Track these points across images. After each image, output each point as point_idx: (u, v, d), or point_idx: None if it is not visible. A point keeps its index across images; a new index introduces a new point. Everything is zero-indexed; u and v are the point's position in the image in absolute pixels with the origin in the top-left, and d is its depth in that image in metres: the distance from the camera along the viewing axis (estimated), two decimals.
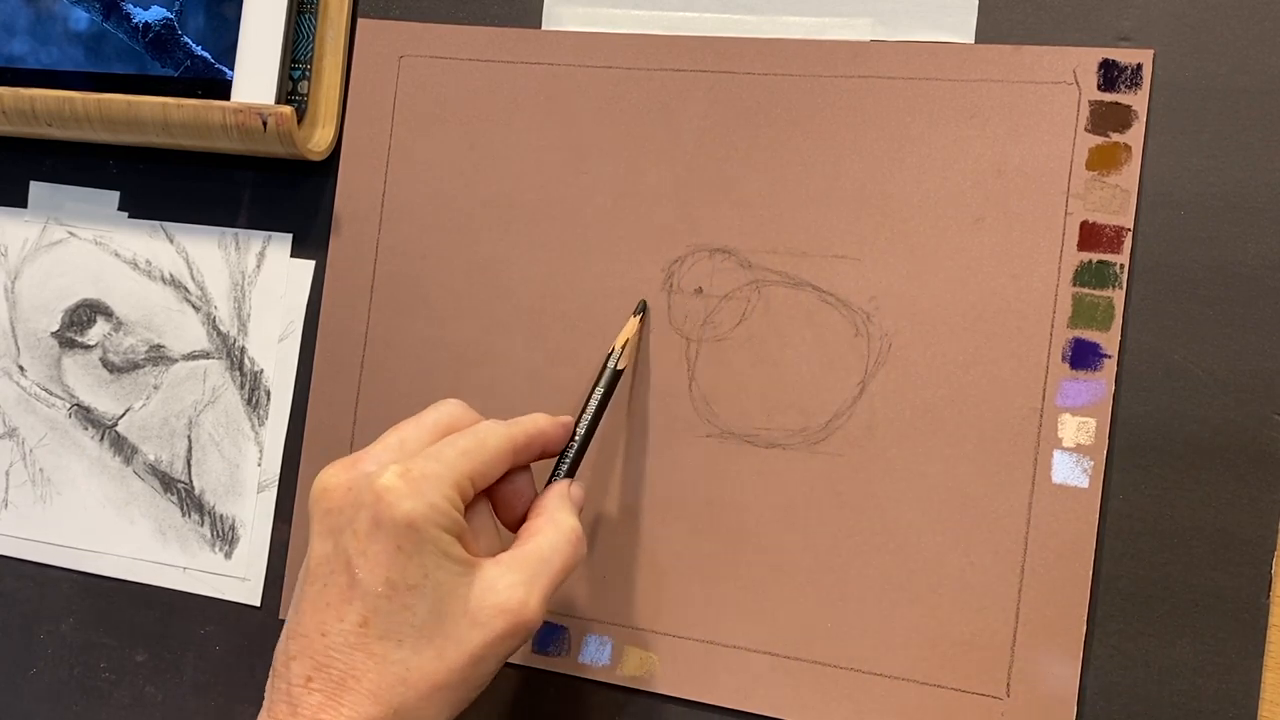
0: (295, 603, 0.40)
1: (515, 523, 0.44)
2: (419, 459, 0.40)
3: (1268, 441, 0.43)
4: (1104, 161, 0.45)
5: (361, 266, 0.54)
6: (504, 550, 0.42)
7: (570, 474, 0.45)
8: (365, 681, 0.38)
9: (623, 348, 0.47)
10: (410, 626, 0.38)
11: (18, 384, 0.59)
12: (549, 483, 0.45)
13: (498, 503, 0.43)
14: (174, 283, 0.57)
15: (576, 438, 0.45)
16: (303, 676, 0.38)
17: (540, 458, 0.44)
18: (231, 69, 0.54)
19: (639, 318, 0.49)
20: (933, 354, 0.46)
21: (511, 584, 0.40)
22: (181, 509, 0.56)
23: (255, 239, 0.56)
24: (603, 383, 0.46)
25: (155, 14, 0.56)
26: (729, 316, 0.48)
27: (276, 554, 0.54)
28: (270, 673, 0.40)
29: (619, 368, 0.47)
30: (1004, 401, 0.45)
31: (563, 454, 0.45)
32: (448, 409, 0.44)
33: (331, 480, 0.41)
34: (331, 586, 0.39)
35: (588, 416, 0.46)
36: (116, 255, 0.58)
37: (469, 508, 0.41)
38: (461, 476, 0.40)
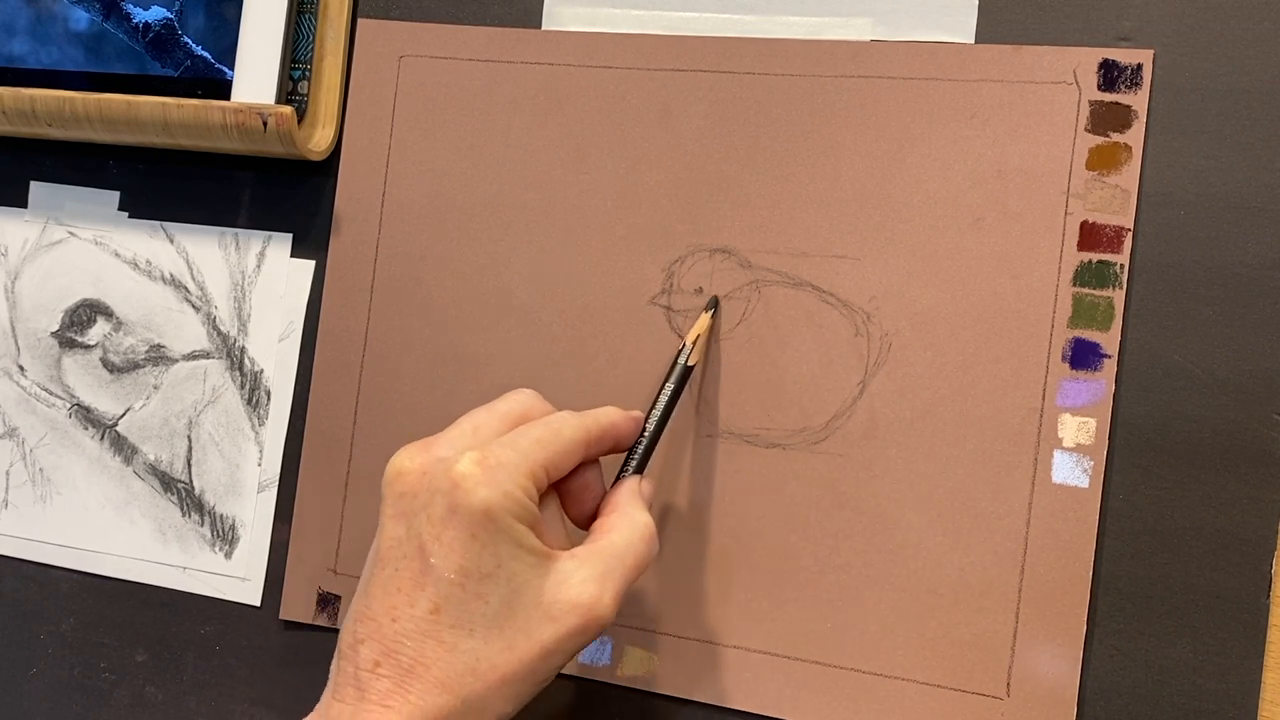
0: (364, 585, 0.40)
1: (583, 518, 0.43)
2: (495, 446, 0.40)
3: (1268, 441, 0.43)
4: (1104, 161, 0.45)
5: (361, 266, 0.54)
6: (571, 544, 0.41)
7: (639, 470, 0.44)
8: (434, 670, 0.37)
9: (693, 343, 0.47)
10: (482, 616, 0.38)
11: (18, 384, 0.59)
12: (619, 478, 0.44)
13: (566, 496, 0.43)
14: (174, 283, 0.57)
15: (646, 433, 0.45)
16: (371, 661, 0.38)
17: (611, 452, 0.44)
18: (231, 69, 0.54)
19: (710, 313, 0.48)
20: (933, 354, 0.46)
21: (585, 579, 0.39)
22: (181, 509, 0.56)
23: (255, 239, 0.56)
24: (673, 378, 0.46)
25: (155, 14, 0.56)
26: (729, 316, 0.48)
27: (276, 554, 0.54)
28: (335, 653, 0.40)
29: (690, 363, 0.46)
30: (1004, 401, 0.45)
31: (632, 449, 0.44)
32: (522, 398, 0.43)
33: (406, 463, 0.40)
34: (404, 571, 0.39)
35: (658, 412, 0.45)
36: (116, 255, 0.58)
37: (541, 499, 0.40)
38: (536, 466, 0.40)
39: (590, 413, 0.43)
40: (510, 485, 0.39)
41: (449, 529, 0.38)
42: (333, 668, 0.40)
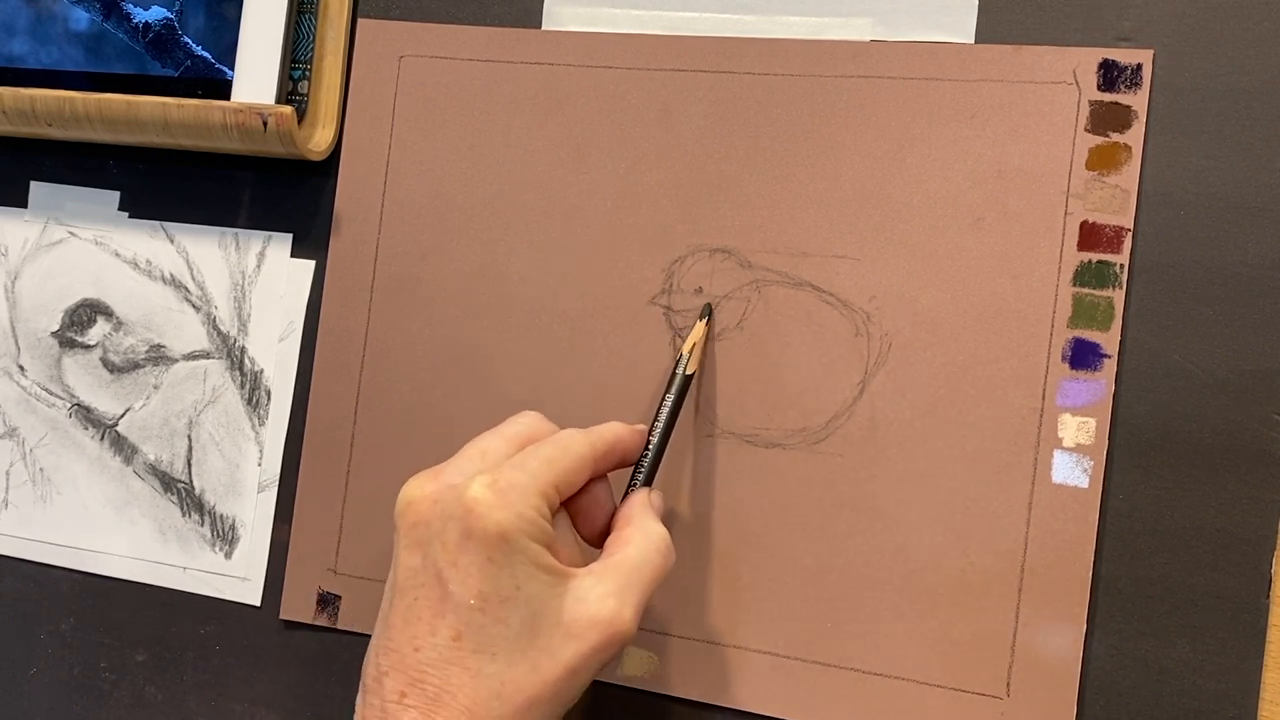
0: (383, 617, 0.40)
1: (595, 534, 0.43)
2: (505, 469, 0.40)
3: (1268, 441, 0.43)
4: (1104, 161, 0.45)
5: (361, 266, 0.54)
6: (585, 561, 0.41)
7: (648, 482, 0.44)
8: (461, 696, 0.37)
9: (690, 352, 0.47)
10: (504, 639, 0.38)
11: (18, 384, 0.59)
12: (628, 492, 0.44)
13: (576, 514, 0.43)
14: (174, 283, 0.57)
15: (651, 445, 0.45)
16: (396, 692, 0.38)
17: (618, 466, 0.44)
18: (231, 69, 0.54)
19: (705, 322, 0.48)
20: (933, 354, 0.46)
21: (603, 594, 0.39)
22: (181, 509, 0.56)
23: (255, 239, 0.56)
24: (673, 389, 0.46)
25: (155, 14, 0.56)
26: (729, 316, 0.48)
27: (277, 554, 0.54)
28: (360, 689, 0.40)
29: (688, 373, 0.46)
30: (1004, 401, 0.45)
31: (638, 463, 0.44)
32: (527, 420, 0.43)
33: (416, 492, 0.40)
34: (423, 600, 0.38)
35: (661, 423, 0.45)
36: (117, 255, 0.58)
37: (552, 518, 0.40)
38: (547, 485, 0.40)
39: (595, 429, 0.43)
40: (523, 506, 0.38)
41: (465, 554, 0.38)
42: (358, 703, 0.40)
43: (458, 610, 0.38)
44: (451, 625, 0.38)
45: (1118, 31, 0.45)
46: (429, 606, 0.38)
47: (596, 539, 0.43)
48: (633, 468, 0.44)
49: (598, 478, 0.43)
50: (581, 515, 0.43)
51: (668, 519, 0.48)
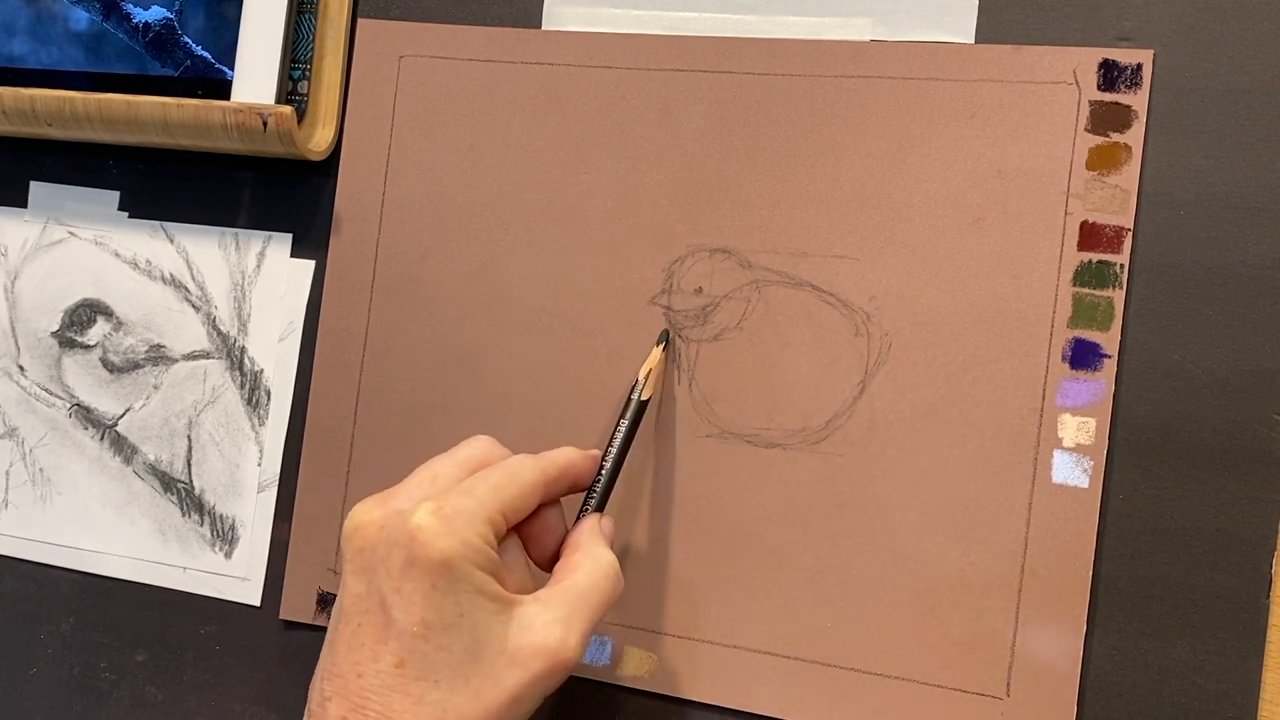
0: (329, 641, 0.40)
1: (546, 559, 0.43)
2: (451, 495, 0.39)
3: (1268, 441, 0.43)
4: (1104, 161, 0.45)
5: (361, 266, 0.54)
6: (536, 587, 0.41)
7: (599, 508, 0.44)
8: None
9: (646, 377, 0.47)
10: (447, 667, 0.38)
11: (18, 384, 0.59)
12: (579, 517, 0.44)
13: (528, 539, 0.42)
14: (174, 283, 0.57)
15: (604, 470, 0.45)
16: (339, 717, 0.38)
17: (570, 492, 0.44)
18: (231, 69, 0.54)
19: (662, 347, 0.48)
20: (933, 354, 0.46)
21: (549, 622, 0.39)
22: (181, 509, 0.56)
23: (255, 239, 0.56)
24: (628, 415, 0.46)
25: (155, 14, 0.56)
26: (729, 316, 0.48)
27: (276, 554, 0.54)
28: (305, 713, 0.40)
29: (644, 398, 0.46)
30: (1004, 401, 0.45)
31: (591, 488, 0.44)
32: (478, 444, 0.43)
33: (364, 518, 0.40)
34: (366, 626, 0.38)
35: (614, 449, 0.45)
36: (116, 255, 0.58)
37: (500, 544, 0.40)
38: (494, 512, 0.40)
39: (547, 454, 0.43)
40: (468, 533, 0.38)
41: (409, 581, 0.38)
42: None
43: (401, 637, 0.38)
44: (394, 652, 0.38)
45: (1118, 31, 0.45)
46: (372, 633, 0.38)
47: (547, 563, 0.43)
48: (585, 493, 0.44)
49: (550, 503, 0.43)
50: (532, 540, 0.43)
51: (668, 518, 0.48)
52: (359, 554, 0.40)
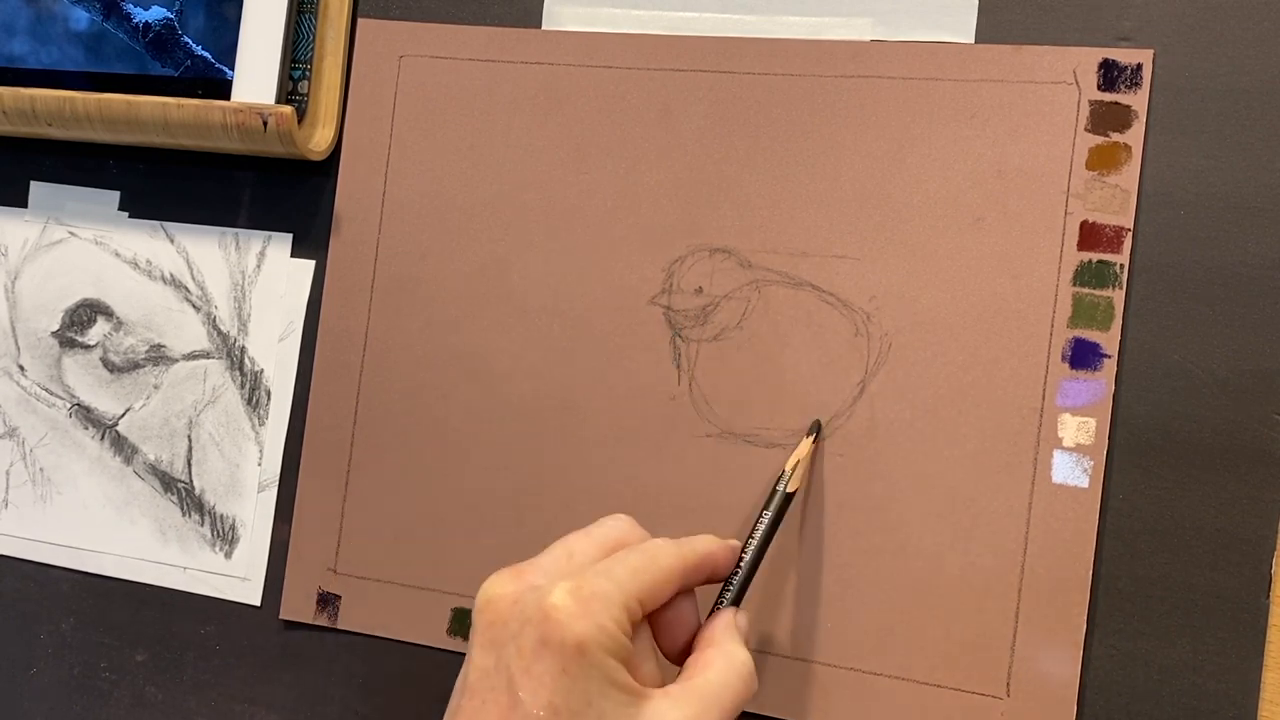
0: (450, 714, 0.38)
1: (676, 650, 0.41)
2: (589, 576, 0.38)
3: (1268, 441, 0.43)
4: (1104, 161, 0.45)
5: (361, 266, 0.54)
6: (663, 679, 0.39)
7: (736, 601, 0.43)
8: None
9: (792, 469, 0.45)
10: None
11: (18, 384, 0.59)
12: (714, 610, 0.42)
13: (659, 628, 0.41)
14: (174, 283, 0.57)
15: (743, 563, 0.43)
16: None
17: (706, 582, 0.42)
18: (231, 69, 0.54)
19: (812, 439, 0.46)
20: (933, 354, 0.46)
21: None
22: (182, 509, 0.56)
23: (255, 239, 0.56)
24: (772, 507, 0.44)
25: (155, 14, 0.56)
26: (729, 316, 0.48)
27: (277, 554, 0.54)
28: None
29: (789, 491, 0.45)
30: (1004, 401, 0.45)
31: (728, 580, 0.42)
32: (617, 524, 0.42)
33: (497, 590, 0.39)
34: (490, 704, 0.37)
35: (755, 542, 0.43)
36: (117, 255, 0.58)
37: (633, 631, 0.39)
38: (631, 598, 0.38)
39: (687, 541, 0.41)
40: (605, 618, 0.37)
41: (539, 662, 0.36)
42: None
43: (526, 719, 0.36)
44: None
45: (1118, 31, 0.45)
46: (498, 712, 0.37)
47: (677, 655, 0.41)
48: (722, 584, 0.43)
49: (684, 592, 0.41)
50: (664, 629, 0.41)
51: (667, 518, 0.48)
52: (490, 628, 0.38)
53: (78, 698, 0.57)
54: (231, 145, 0.53)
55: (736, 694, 0.39)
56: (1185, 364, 0.44)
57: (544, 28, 0.52)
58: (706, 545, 0.42)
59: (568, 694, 0.36)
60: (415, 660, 0.52)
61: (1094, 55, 0.45)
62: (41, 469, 0.58)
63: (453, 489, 0.51)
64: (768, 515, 0.44)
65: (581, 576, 0.38)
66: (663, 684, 0.39)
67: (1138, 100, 0.44)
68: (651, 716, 0.37)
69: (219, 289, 0.56)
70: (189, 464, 0.56)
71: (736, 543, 0.43)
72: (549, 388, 0.50)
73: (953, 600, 0.45)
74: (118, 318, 0.58)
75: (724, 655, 0.40)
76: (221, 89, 0.54)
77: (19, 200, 0.60)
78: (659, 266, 0.49)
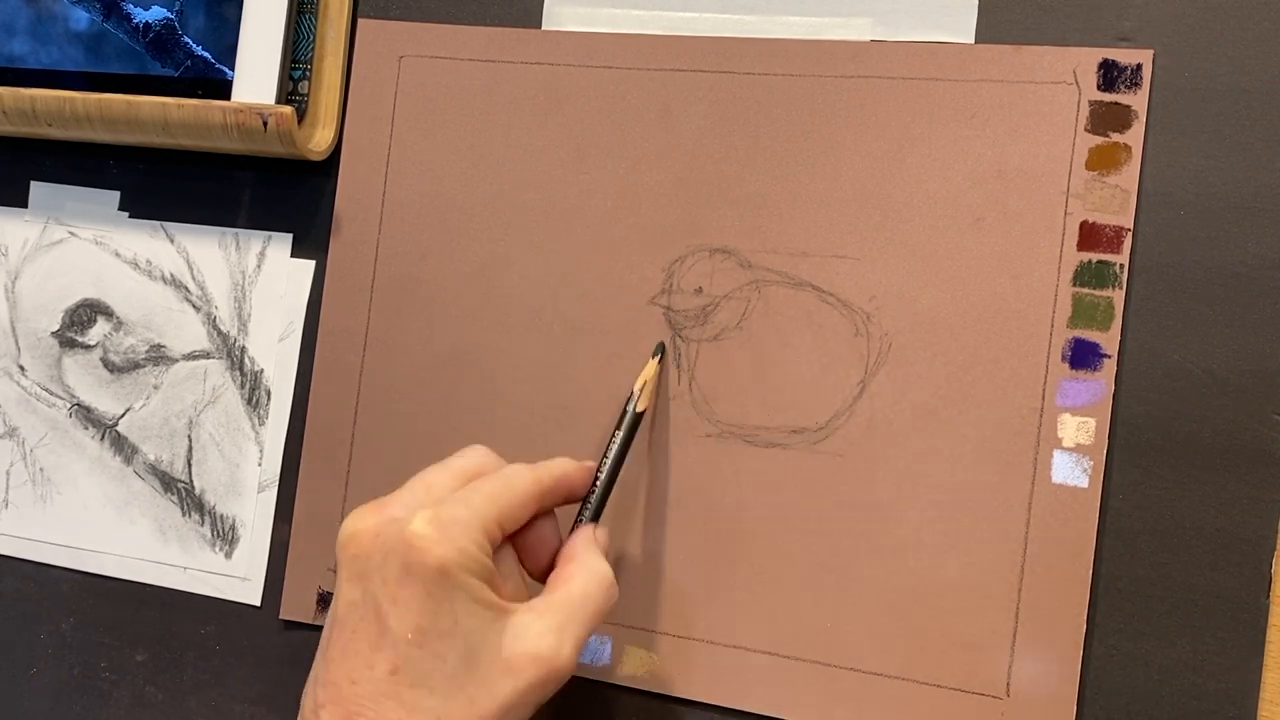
0: (323, 649, 0.40)
1: (540, 569, 0.43)
2: (447, 504, 0.40)
3: (1268, 441, 0.43)
4: (1104, 161, 0.45)
5: (361, 266, 0.54)
6: (530, 597, 0.41)
7: (594, 518, 0.44)
8: None
9: (641, 389, 0.47)
10: (441, 674, 0.38)
11: (18, 384, 0.59)
12: (574, 528, 0.44)
13: (522, 549, 0.43)
14: (174, 283, 0.57)
15: (599, 482, 0.45)
16: None
17: (564, 502, 0.44)
18: (232, 69, 0.54)
19: (657, 359, 0.48)
20: (933, 354, 0.46)
21: (543, 631, 0.39)
22: (182, 509, 0.56)
23: (255, 239, 0.56)
24: (624, 426, 0.46)
25: (155, 14, 0.56)
26: (729, 316, 0.48)
27: (277, 554, 0.54)
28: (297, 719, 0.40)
29: (639, 410, 0.47)
30: (1004, 401, 0.45)
31: (586, 499, 0.45)
32: (474, 454, 0.43)
33: (359, 525, 0.40)
34: (360, 634, 0.38)
35: (610, 460, 0.45)
36: (117, 255, 0.58)
37: (495, 553, 0.40)
38: (489, 521, 0.40)
39: (543, 464, 0.43)
40: (464, 541, 0.38)
41: (404, 589, 0.38)
42: None
43: (395, 644, 0.38)
44: (389, 659, 0.38)
45: (1118, 31, 0.45)
46: (367, 640, 0.38)
47: (541, 574, 0.43)
48: (580, 503, 0.45)
49: (544, 513, 0.43)
50: (527, 550, 0.43)
51: (668, 518, 0.48)
52: (354, 561, 0.40)
53: (78, 698, 0.57)
54: (231, 145, 0.53)
55: (597, 604, 0.41)
56: (1185, 364, 0.44)
57: (544, 28, 0.52)
58: (562, 467, 0.44)
59: (434, 615, 0.38)
60: None
61: (1094, 55, 0.45)
62: (41, 469, 0.58)
63: None
64: (620, 435, 0.46)
65: (440, 505, 0.39)
66: (528, 601, 0.41)
67: (1138, 100, 0.44)
68: (516, 629, 0.39)
69: (219, 289, 0.56)
70: (189, 464, 0.56)
71: (591, 463, 0.45)
72: (549, 388, 0.50)
73: (953, 600, 0.45)
74: (118, 318, 0.58)
75: (585, 568, 0.42)
76: (221, 89, 0.54)
77: (19, 200, 0.60)
78: (659, 266, 0.49)
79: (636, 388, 0.47)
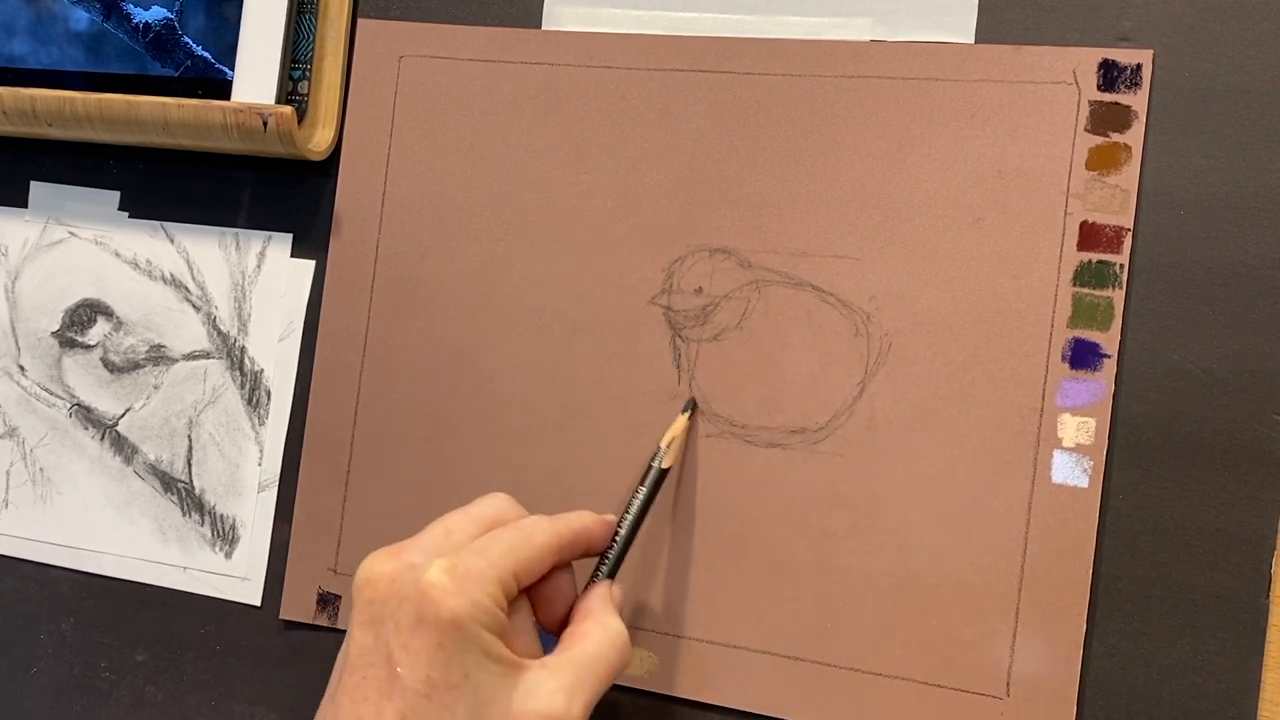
0: (331, 693, 0.39)
1: (554, 623, 0.43)
2: (465, 553, 0.39)
3: (1268, 441, 0.43)
4: (1104, 161, 0.45)
5: (361, 266, 0.54)
6: (543, 651, 0.41)
7: (611, 575, 0.44)
8: None
9: (667, 445, 0.46)
10: None
11: (18, 384, 0.59)
12: (590, 583, 0.43)
13: (538, 602, 0.42)
14: (174, 283, 0.57)
15: (619, 537, 0.44)
16: None
17: (582, 556, 0.43)
18: (231, 69, 0.54)
19: (688, 415, 0.48)
20: (933, 354, 0.46)
21: (554, 689, 0.38)
22: (182, 509, 0.56)
23: (255, 239, 0.56)
24: (647, 482, 0.45)
25: (155, 14, 0.56)
26: (729, 316, 0.48)
27: (277, 554, 0.54)
28: None
29: (664, 466, 0.46)
30: (1004, 401, 0.45)
31: (604, 554, 0.44)
32: (495, 502, 0.43)
33: (375, 570, 0.40)
34: (370, 680, 0.38)
35: (630, 516, 0.44)
36: (117, 255, 0.58)
37: (510, 606, 0.40)
38: (506, 573, 0.39)
39: (562, 517, 0.43)
40: (479, 594, 0.38)
41: (416, 638, 0.37)
42: None
43: (404, 694, 0.37)
44: (397, 709, 0.37)
45: (1118, 31, 0.45)
46: (377, 687, 0.38)
47: (556, 628, 0.42)
48: (598, 558, 0.44)
49: (561, 567, 0.43)
50: (542, 603, 0.42)
51: (668, 518, 0.48)
52: (368, 606, 0.39)
53: (78, 698, 0.57)
54: (231, 145, 0.53)
55: (611, 663, 0.40)
56: (1185, 364, 0.44)
57: (544, 28, 0.52)
58: (581, 521, 0.43)
59: (445, 668, 0.37)
60: None
61: (1094, 55, 0.45)
62: (41, 469, 0.58)
63: (453, 489, 0.51)
64: (643, 491, 0.45)
65: (457, 554, 0.39)
66: (541, 656, 0.40)
67: (1138, 100, 0.44)
68: (528, 687, 0.39)
69: (219, 289, 0.56)
70: (189, 464, 0.56)
71: (612, 517, 0.44)
72: (549, 388, 0.50)
73: (953, 600, 0.45)
74: (118, 318, 0.58)
75: (599, 626, 0.41)
76: (221, 89, 0.54)
77: (19, 200, 0.60)
78: (659, 266, 0.49)
79: (663, 443, 0.46)
